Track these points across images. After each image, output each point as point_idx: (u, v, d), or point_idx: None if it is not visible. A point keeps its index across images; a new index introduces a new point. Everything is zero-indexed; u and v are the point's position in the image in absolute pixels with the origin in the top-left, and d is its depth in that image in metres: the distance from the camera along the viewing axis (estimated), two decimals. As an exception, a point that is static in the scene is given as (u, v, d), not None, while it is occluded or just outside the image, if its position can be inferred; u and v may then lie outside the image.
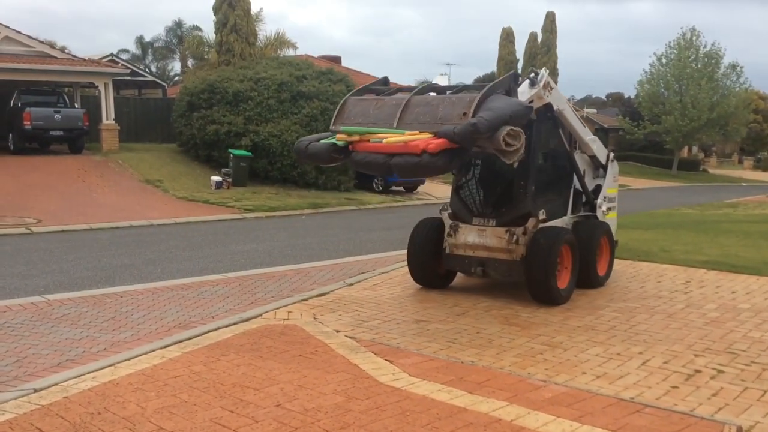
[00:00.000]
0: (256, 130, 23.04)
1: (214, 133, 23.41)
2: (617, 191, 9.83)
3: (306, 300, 8.20)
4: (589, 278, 8.55)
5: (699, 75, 42.79)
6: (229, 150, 22.72)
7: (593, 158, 9.28)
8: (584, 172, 9.11)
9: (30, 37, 24.97)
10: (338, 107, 7.70)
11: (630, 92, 64.44)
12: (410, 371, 5.51)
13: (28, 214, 16.04)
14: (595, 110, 61.27)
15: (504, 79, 7.27)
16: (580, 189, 9.03)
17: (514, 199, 8.17)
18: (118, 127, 25.31)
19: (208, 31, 34.26)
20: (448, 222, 8.51)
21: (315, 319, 7.28)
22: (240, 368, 5.63)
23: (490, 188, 8.58)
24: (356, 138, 6.88)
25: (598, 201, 9.24)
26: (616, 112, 57.63)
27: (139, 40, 58.03)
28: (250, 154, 22.69)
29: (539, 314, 7.48)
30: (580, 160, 9.06)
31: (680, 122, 42.64)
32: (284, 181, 23.40)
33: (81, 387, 5.21)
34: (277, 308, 7.76)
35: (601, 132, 53.98)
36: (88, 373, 5.53)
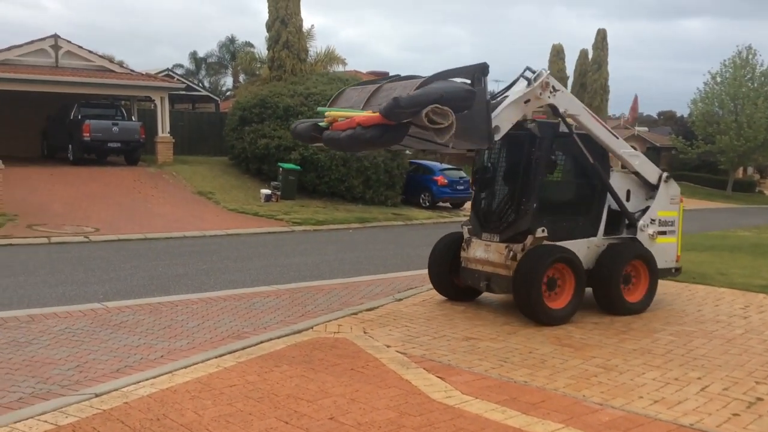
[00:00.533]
0: (305, 145, 23.32)
1: (265, 146, 23.80)
2: (678, 214, 9.13)
3: (356, 314, 8.25)
4: (612, 303, 8.22)
5: (755, 95, 41.67)
6: (279, 164, 23.06)
7: (638, 176, 8.85)
8: (629, 191, 8.77)
9: (90, 52, 25.88)
10: (335, 95, 8.16)
11: (681, 110, 63.15)
12: (462, 389, 5.48)
13: (87, 223, 16.55)
14: (646, 129, 60.13)
15: (469, 67, 7.16)
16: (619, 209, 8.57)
17: (516, 216, 8.09)
18: (173, 140, 25.98)
19: (260, 47, 35.01)
20: (466, 236, 8.66)
21: (365, 333, 7.31)
22: (293, 380, 5.69)
23: (497, 204, 8.54)
24: (331, 118, 7.27)
25: (641, 223, 8.70)
26: (669, 131, 56.51)
27: (193, 56, 59.40)
28: (299, 168, 22.99)
29: (593, 336, 7.36)
30: (623, 179, 8.73)
31: (735, 142, 41.54)
32: (332, 195, 23.62)
33: (140, 393, 5.34)
34: (328, 321, 7.82)
35: (654, 151, 52.97)
36: (147, 379, 5.66)
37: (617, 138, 8.63)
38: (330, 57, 32.61)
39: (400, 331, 7.44)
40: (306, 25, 29.25)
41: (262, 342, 6.88)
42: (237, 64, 46.44)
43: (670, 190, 9.08)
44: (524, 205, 7.98)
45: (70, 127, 23.99)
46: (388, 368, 6.03)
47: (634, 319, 8.15)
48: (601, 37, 43.68)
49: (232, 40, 57.52)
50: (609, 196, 8.47)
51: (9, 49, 24.62)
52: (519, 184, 8.11)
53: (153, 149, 25.60)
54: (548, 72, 7.87)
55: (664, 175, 9.07)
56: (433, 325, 7.67)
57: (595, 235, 8.43)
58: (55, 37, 24.70)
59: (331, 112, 7.46)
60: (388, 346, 6.78)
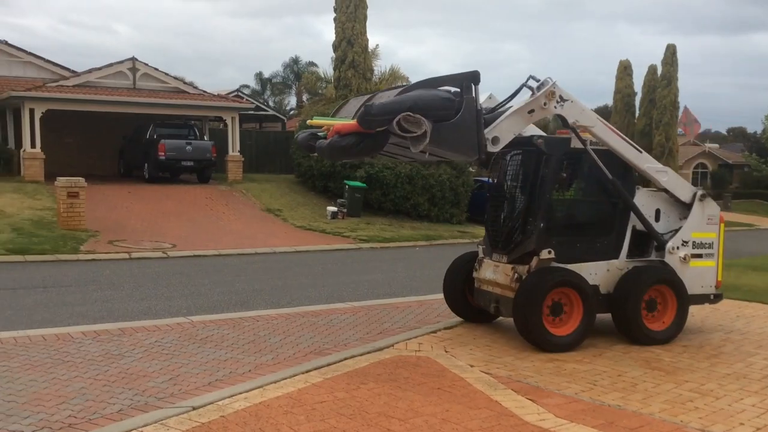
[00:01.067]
0: (370, 162, 23.55)
1: (331, 164, 24.11)
2: (716, 236, 8.30)
3: (434, 332, 8.22)
4: (630, 330, 7.67)
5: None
6: (345, 181, 23.33)
7: (669, 194, 8.16)
8: (658, 211, 8.12)
9: (165, 74, 26.86)
10: (340, 104, 8.19)
11: (753, 127, 60.81)
12: (555, 412, 5.39)
13: (164, 239, 17.09)
14: (717, 145, 58.23)
15: (458, 74, 6.89)
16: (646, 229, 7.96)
17: (523, 236, 7.72)
18: (242, 159, 26.63)
19: (323, 67, 35.55)
20: (480, 256, 8.38)
21: (446, 352, 7.28)
22: (381, 397, 5.71)
23: (505, 223, 8.13)
24: (326, 128, 7.23)
25: (670, 245, 7.97)
26: (741, 148, 54.56)
27: (259, 76, 60.99)
28: (364, 185, 23.20)
29: (683, 359, 7.13)
30: (651, 197, 8.13)
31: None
32: (397, 213, 23.72)
33: (235, 407, 5.45)
34: (408, 339, 7.82)
35: (726, 168, 51.20)
36: (240, 393, 5.78)
37: (640, 152, 7.98)
38: (394, 76, 32.92)
39: (481, 350, 7.38)
40: (371, 45, 29.67)
41: (345, 359, 6.93)
42: (301, 84, 47.41)
43: (706, 209, 8.26)
44: (530, 224, 7.64)
45: (146, 147, 24.90)
46: (475, 388, 5.98)
47: (723, 342, 7.87)
48: (671, 52, 42.62)
49: (296, 61, 58.80)
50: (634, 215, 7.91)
51: (90, 71, 25.82)
52: (525, 203, 7.76)
53: (223, 167, 26.29)
54: (555, 81, 7.36)
55: (699, 192, 8.27)
56: (515, 345, 7.57)
57: (616, 257, 7.87)
58: (133, 59, 25.75)
59: (313, 121, 7.57)
60: (471, 366, 6.73)
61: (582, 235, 8.01)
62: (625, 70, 43.53)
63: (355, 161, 21.46)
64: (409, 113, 6.18)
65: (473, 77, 6.73)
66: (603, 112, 60.24)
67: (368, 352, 7.22)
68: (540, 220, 7.53)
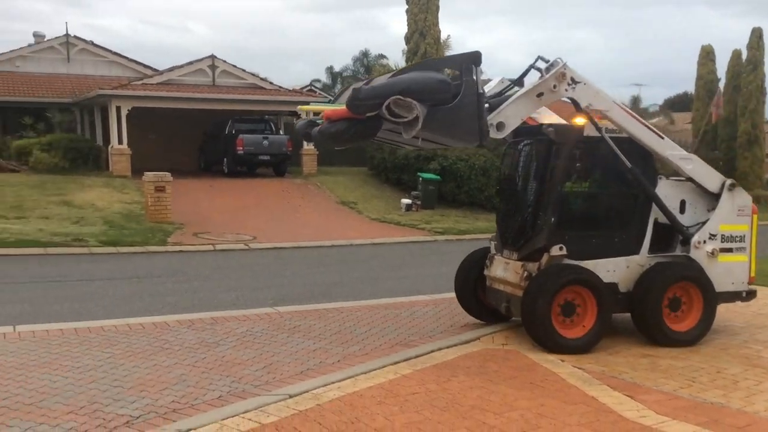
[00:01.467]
0: (444, 154, 23.44)
1: (404, 157, 24.15)
2: (748, 228, 7.70)
3: (520, 325, 8.12)
4: (650, 331, 7.21)
5: None
6: (419, 173, 23.31)
7: (695, 183, 7.62)
8: (683, 202, 7.59)
9: (243, 70, 27.49)
10: (342, 90, 7.96)
11: None
12: (655, 409, 5.24)
13: (244, 231, 17.55)
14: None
15: (457, 56, 6.52)
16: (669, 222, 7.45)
17: (533, 231, 7.29)
18: (317, 152, 27.00)
19: (393, 60, 35.50)
20: (491, 252, 7.95)
21: (535, 346, 7.19)
22: (473, 390, 5.70)
23: (516, 217, 7.67)
24: (321, 114, 6.94)
25: (695, 238, 7.43)
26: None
27: (329, 70, 61.56)
28: (438, 177, 23.11)
29: (787, 357, 6.81)
30: (675, 187, 7.62)
31: None
32: (471, 205, 23.53)
33: (329, 396, 5.55)
34: (494, 333, 7.77)
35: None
36: (333, 383, 5.88)
37: (662, 138, 7.45)
38: (466, 66, 32.61)
39: (570, 344, 7.25)
40: (442, 36, 29.50)
41: (432, 351, 6.94)
42: (371, 76, 47.64)
43: (737, 199, 7.64)
44: (541, 219, 7.21)
45: (225, 142, 25.59)
46: (569, 383, 5.89)
47: (831, 340, 7.47)
48: (757, 36, 40.52)
49: (365, 54, 58.93)
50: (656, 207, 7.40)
51: (171, 69, 26.72)
52: (535, 196, 7.32)
53: (298, 161, 26.75)
54: (565, 61, 6.88)
55: (728, 182, 7.64)
56: (606, 340, 7.38)
57: (637, 252, 7.37)
58: (212, 57, 26.47)
59: (304, 107, 7.43)
60: (562, 360, 6.62)
61: (598, 229, 7.52)
62: (707, 55, 41.68)
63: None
64: (399, 97, 5.84)
65: (474, 58, 6.32)
66: (683, 100, 57.84)
67: (455, 345, 7.22)
68: (551, 213, 7.10)
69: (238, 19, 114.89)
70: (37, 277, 11.35)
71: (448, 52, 31.09)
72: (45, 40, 31.47)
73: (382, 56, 52.99)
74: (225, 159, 25.67)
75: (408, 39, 28.16)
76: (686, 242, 7.51)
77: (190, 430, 4.84)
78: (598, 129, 7.20)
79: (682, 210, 7.60)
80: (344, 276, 12.18)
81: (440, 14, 28.41)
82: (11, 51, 30.46)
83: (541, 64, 7.05)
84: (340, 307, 9.28)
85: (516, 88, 7.34)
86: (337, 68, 61.04)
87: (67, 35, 30.88)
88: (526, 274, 7.13)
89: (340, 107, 6.44)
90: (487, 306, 8.16)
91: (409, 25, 27.92)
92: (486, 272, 7.95)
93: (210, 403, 5.54)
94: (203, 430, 4.86)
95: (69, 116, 27.90)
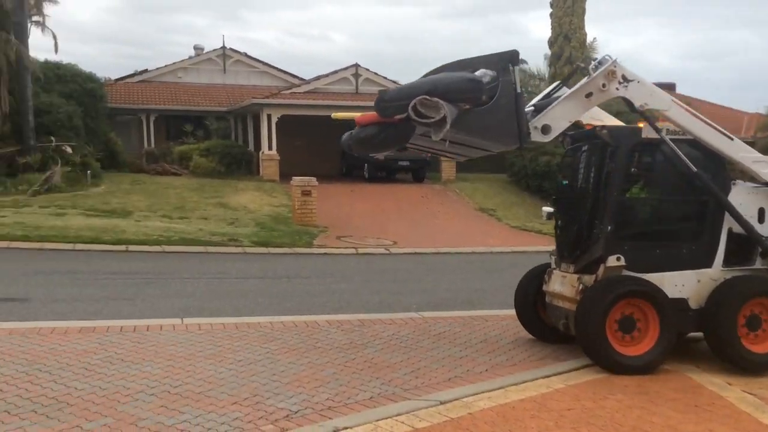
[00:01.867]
0: (589, 162, 22.66)
1: (546, 164, 23.61)
2: None
3: (683, 344, 7.65)
4: (724, 352, 6.52)
5: None
6: (562, 181, 22.63)
7: None
8: (762, 210, 6.89)
9: (385, 78, 28.07)
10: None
11: None
12: None
13: (385, 235, 17.89)
14: None
15: (494, 54, 6.06)
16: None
17: (590, 241, 6.80)
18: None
19: (535, 65, 34.66)
20: (552, 266, 7.48)
21: (697, 367, 6.74)
22: (632, 410, 5.43)
23: (572, 227, 7.23)
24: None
25: None
26: None
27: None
28: (582, 185, 22.35)
29: None
30: (751, 193, 6.91)
31: None
32: (617, 215, 22.55)
33: (480, 405, 5.51)
34: (650, 350, 7.35)
35: None
36: (483, 392, 5.83)
37: (731, 139, 6.82)
38: (612, 70, 31.34)
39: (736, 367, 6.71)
40: (588, 39, 28.53)
41: (586, 366, 6.69)
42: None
43: None
44: (597, 228, 6.73)
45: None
46: (739, 409, 5.47)
47: None
48: None
49: (505, 59, 58.33)
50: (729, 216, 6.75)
51: (317, 78, 27.85)
52: (591, 204, 6.85)
53: (437, 167, 26.90)
54: (615, 58, 6.48)
55: None
56: (778, 365, 6.79)
57: (709, 265, 6.74)
58: (356, 66, 27.29)
59: (337, 115, 7.25)
60: (729, 384, 6.17)
61: (662, 239, 6.99)
62: None
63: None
64: (425, 96, 5.61)
65: (511, 57, 6.07)
66: None
67: (608, 361, 6.90)
68: (607, 222, 6.65)
69: (377, 28, 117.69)
70: (199, 273, 12.21)
71: (594, 56, 30.02)
72: (204, 52, 33.88)
73: (522, 61, 52.17)
74: (366, 164, 26.33)
75: (552, 43, 27.56)
76: (767, 254, 6.86)
77: (347, 428, 4.98)
78: (657, 130, 6.72)
79: (761, 219, 6.94)
80: (486, 283, 12.07)
81: (585, 17, 27.52)
82: (174, 63, 33.09)
83: (590, 63, 6.80)
84: (485, 315, 9.20)
85: (565, 89, 7.05)
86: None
87: (223, 48, 33.07)
88: (581, 287, 6.75)
89: (367, 113, 6.39)
90: (548, 324, 7.71)
91: (553, 28, 27.31)
92: (545, 287, 7.58)
93: (362, 403, 5.67)
94: (358, 430, 4.98)
95: (224, 124, 29.84)
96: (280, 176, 24.68)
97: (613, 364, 6.43)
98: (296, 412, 5.40)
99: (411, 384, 6.21)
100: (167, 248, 14.32)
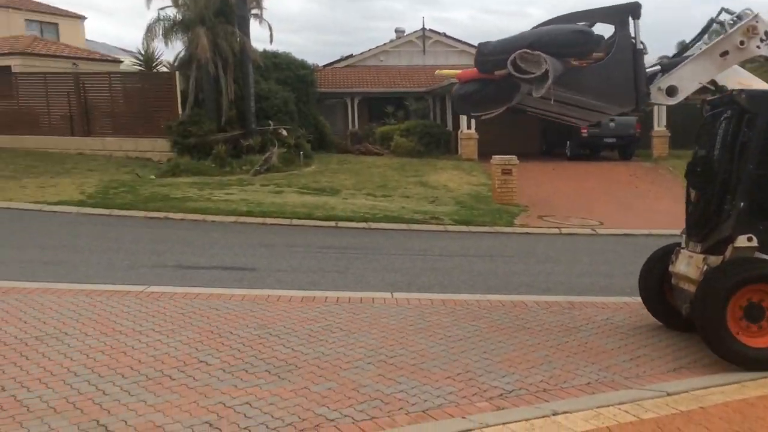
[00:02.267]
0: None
1: None
2: None
3: None
4: None
5: None
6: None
7: None
8: None
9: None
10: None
11: None
12: None
13: (590, 215, 17.11)
14: None
15: (611, 7, 5.53)
16: None
17: (720, 218, 6.18)
18: (669, 134, 25.09)
19: None
20: (681, 246, 6.86)
21: None
22: None
23: (701, 202, 6.56)
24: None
25: None
26: None
27: (681, 45, 56.59)
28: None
29: None
30: None
31: None
32: None
33: (713, 400, 5.06)
34: None
35: None
36: (715, 386, 5.36)
37: None
38: None
39: None
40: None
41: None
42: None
43: None
44: (728, 204, 6.10)
45: (569, 126, 25.19)
46: None
47: None
48: None
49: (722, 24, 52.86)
50: None
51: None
52: (723, 177, 6.15)
53: (648, 143, 25.17)
54: (756, 12, 5.73)
55: None
56: None
57: None
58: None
59: (442, 71, 6.99)
60: None
61: None
62: None
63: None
64: (526, 50, 5.09)
65: (632, 9, 5.53)
66: None
67: None
68: (740, 198, 6.00)
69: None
70: (403, 250, 12.57)
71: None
72: (404, 35, 34.66)
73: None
74: (568, 142, 25.36)
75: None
76: None
77: (566, 412, 4.82)
78: None
79: None
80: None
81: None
82: (376, 47, 34.26)
83: (726, 17, 5.91)
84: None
85: (697, 47, 6.21)
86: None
87: (423, 29, 33.58)
88: (706, 268, 6.16)
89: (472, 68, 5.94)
90: (674, 308, 6.95)
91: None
92: (671, 268, 6.97)
93: (579, 388, 5.46)
94: (578, 415, 4.79)
95: (423, 104, 30.37)
96: (478, 155, 24.60)
97: (735, 357, 5.82)
98: (510, 392, 5.34)
99: (631, 372, 5.88)
100: (372, 225, 14.91)
